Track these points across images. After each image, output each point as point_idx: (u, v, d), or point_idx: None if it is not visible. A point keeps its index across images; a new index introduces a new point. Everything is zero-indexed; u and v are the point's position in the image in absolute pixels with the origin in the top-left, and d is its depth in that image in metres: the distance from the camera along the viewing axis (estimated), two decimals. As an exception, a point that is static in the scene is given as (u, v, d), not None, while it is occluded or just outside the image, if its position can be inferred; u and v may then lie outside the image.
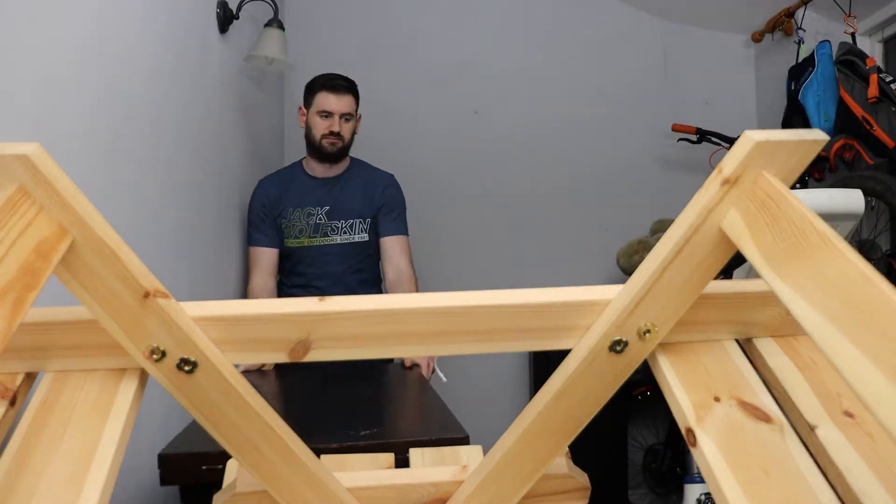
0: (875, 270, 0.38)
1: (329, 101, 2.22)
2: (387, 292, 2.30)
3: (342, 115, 2.23)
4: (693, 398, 0.55)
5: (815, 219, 0.43)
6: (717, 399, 0.55)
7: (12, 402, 0.53)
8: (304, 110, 2.28)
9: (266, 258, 2.27)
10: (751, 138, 0.47)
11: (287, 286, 2.32)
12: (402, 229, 2.35)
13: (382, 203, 2.33)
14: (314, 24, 3.02)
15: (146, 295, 0.50)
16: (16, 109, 1.03)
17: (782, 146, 0.47)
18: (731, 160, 0.48)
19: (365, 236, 2.32)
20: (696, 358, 0.59)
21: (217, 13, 2.02)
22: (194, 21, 1.87)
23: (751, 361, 0.59)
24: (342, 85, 2.24)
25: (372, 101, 3.09)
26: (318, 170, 2.30)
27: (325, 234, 2.28)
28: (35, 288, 0.43)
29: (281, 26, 2.24)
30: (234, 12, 2.09)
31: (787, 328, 0.60)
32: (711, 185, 0.49)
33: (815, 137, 0.47)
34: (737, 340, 0.61)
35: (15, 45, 1.02)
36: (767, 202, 0.46)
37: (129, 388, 0.56)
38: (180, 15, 1.75)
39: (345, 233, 2.30)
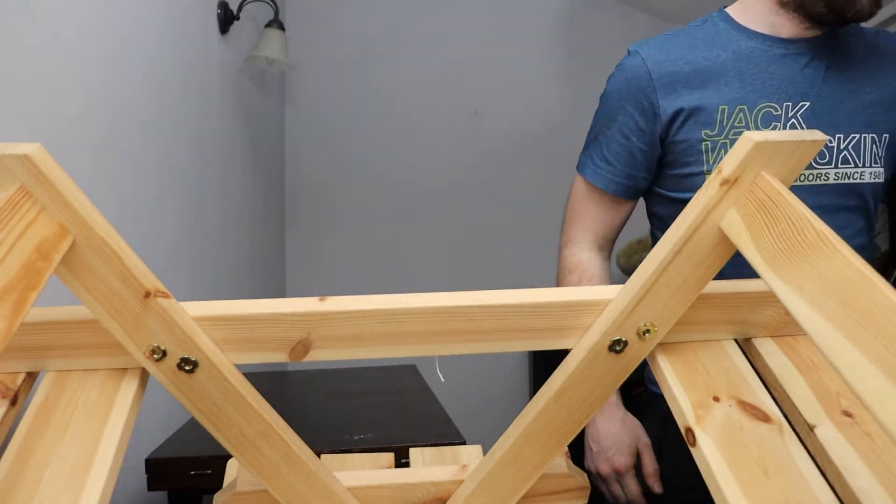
0: (874, 270, 0.38)
1: None
2: None
3: None
4: (692, 398, 0.55)
5: (815, 219, 0.43)
6: (716, 399, 0.55)
7: (13, 402, 0.53)
8: None
9: (605, 212, 1.19)
10: (750, 138, 0.47)
11: None
12: None
13: None
14: (314, 25, 3.03)
15: (147, 295, 0.50)
16: (16, 110, 1.03)
17: (782, 146, 0.48)
18: (731, 160, 0.48)
19: (881, 169, 1.09)
20: (696, 358, 0.59)
21: (217, 14, 2.02)
22: (195, 22, 1.87)
23: (750, 361, 0.60)
24: None
25: (372, 100, 3.10)
26: (782, 26, 1.06)
27: (810, 166, 1.05)
28: (36, 288, 0.43)
29: (281, 27, 2.24)
30: (235, 13, 2.09)
31: (787, 328, 0.61)
32: (711, 185, 0.49)
33: (814, 138, 0.48)
34: (736, 340, 0.61)
35: (14, 46, 1.02)
36: (767, 202, 0.47)
37: (129, 387, 0.56)
38: (181, 16, 1.75)
39: (846, 161, 1.06)
